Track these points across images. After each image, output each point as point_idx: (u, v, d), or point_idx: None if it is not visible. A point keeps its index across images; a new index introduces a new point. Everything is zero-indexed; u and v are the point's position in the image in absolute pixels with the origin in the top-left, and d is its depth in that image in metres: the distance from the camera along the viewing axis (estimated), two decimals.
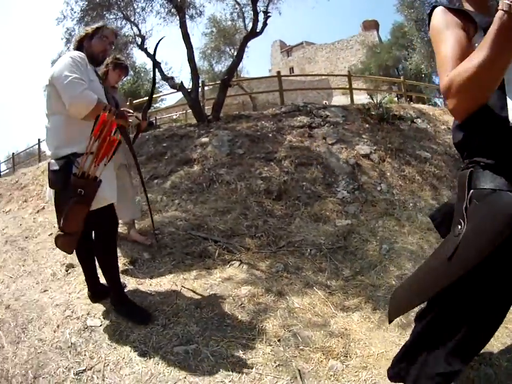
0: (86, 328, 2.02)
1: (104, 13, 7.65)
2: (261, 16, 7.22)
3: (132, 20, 7.80)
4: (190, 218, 2.98)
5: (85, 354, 1.82)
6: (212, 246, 2.95)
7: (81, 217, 1.87)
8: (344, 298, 2.21)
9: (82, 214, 1.87)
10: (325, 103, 22.89)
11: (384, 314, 1.37)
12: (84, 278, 2.32)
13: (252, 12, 7.31)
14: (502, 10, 0.76)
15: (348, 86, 11.06)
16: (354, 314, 2.00)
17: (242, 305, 2.11)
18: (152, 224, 2.72)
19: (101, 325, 2.04)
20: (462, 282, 0.94)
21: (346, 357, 1.65)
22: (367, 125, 5.67)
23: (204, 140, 5.10)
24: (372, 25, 31.64)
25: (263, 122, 5.66)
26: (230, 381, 1.53)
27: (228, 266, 2.69)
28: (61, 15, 7.48)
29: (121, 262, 2.81)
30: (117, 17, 7.91)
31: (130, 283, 2.48)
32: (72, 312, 2.19)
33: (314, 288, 2.31)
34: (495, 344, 1.78)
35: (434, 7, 1.11)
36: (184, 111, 13.36)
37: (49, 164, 1.96)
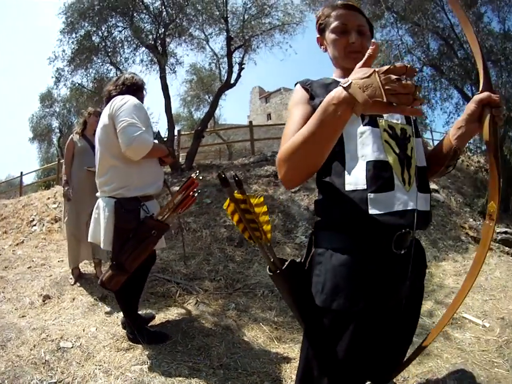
0: (59, 349, 2.34)
1: (92, 56, 7.97)
2: (236, 68, 7.52)
3: (118, 66, 8.13)
4: (157, 262, 3.21)
5: (56, 370, 2.13)
6: (174, 287, 3.28)
7: (146, 256, 2.08)
8: (289, 332, 2.46)
9: (148, 253, 2.10)
10: None
11: None
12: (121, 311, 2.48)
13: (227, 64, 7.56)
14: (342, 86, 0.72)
15: None
16: (296, 346, 2.26)
17: (193, 336, 2.45)
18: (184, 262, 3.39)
19: (72, 347, 2.36)
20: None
21: (281, 380, 1.87)
22: None
23: (176, 188, 5.52)
24: None
25: (232, 172, 6.06)
26: None
27: (186, 304, 3.01)
28: (52, 55, 7.86)
29: (93, 297, 3.15)
30: (104, 61, 8.25)
31: (99, 315, 2.81)
32: (47, 335, 2.51)
33: (261, 324, 2.58)
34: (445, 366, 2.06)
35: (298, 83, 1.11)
36: None
37: (118, 202, 2.00)
